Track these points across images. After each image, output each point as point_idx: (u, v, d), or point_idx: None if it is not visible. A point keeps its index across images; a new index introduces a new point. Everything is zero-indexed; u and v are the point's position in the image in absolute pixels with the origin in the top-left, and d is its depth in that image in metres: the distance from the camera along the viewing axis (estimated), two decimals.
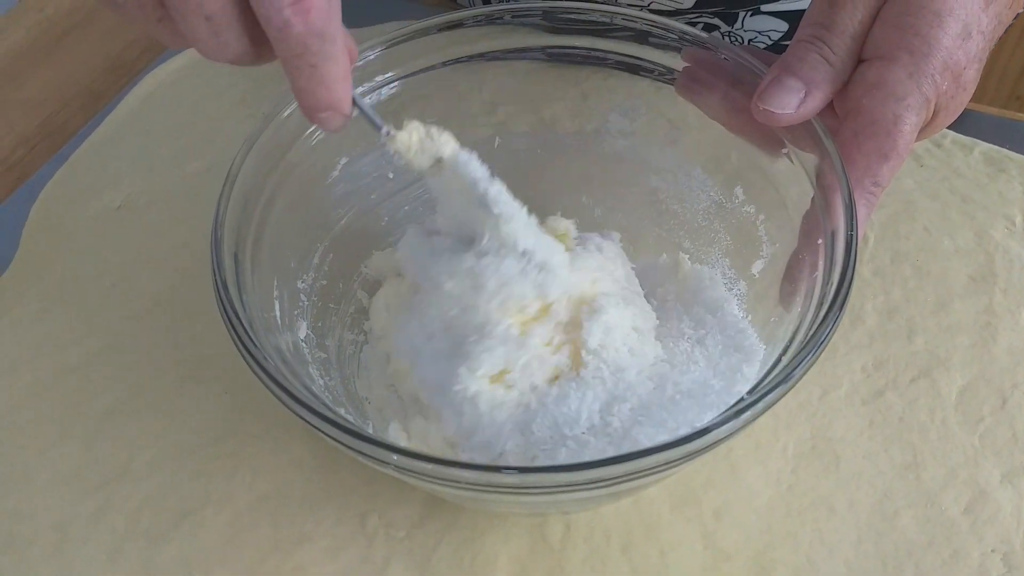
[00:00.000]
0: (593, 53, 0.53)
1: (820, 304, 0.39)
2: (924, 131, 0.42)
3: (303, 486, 0.48)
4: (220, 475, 0.48)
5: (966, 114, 0.65)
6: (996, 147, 0.62)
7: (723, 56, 0.47)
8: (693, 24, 0.71)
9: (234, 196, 0.43)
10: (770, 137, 0.45)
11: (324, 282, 0.50)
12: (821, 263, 0.40)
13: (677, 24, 0.49)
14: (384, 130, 0.41)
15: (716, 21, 0.71)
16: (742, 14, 0.70)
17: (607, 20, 0.51)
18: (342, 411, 0.44)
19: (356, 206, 0.52)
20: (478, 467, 0.37)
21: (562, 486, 0.36)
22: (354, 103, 0.39)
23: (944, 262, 0.56)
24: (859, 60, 0.42)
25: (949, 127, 0.62)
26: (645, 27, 0.50)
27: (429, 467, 0.35)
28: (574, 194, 0.56)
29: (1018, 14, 0.70)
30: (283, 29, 0.34)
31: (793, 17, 0.71)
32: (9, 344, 0.55)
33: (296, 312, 0.47)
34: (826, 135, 0.42)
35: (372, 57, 0.50)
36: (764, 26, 0.71)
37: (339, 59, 0.36)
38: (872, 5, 0.42)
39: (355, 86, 0.50)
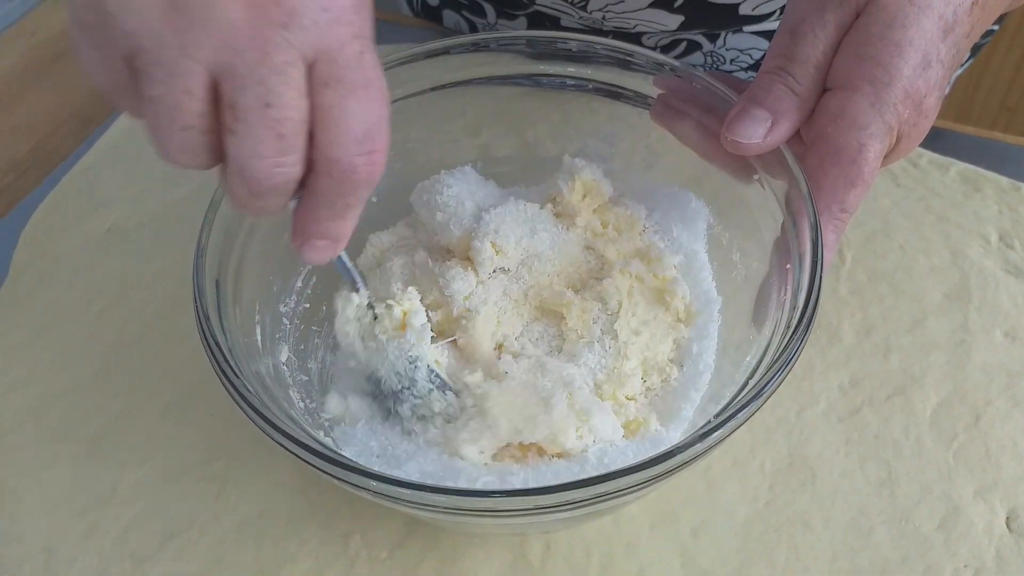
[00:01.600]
0: (575, 79, 0.54)
1: (787, 328, 0.39)
2: (888, 158, 0.43)
3: (287, 508, 0.49)
4: (206, 497, 0.49)
5: (944, 133, 0.66)
6: (972, 166, 0.63)
7: (696, 84, 0.48)
8: (677, 42, 0.72)
9: (216, 223, 0.44)
10: (741, 163, 0.46)
11: (307, 305, 0.51)
12: (789, 287, 0.41)
13: (655, 54, 0.51)
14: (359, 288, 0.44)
15: (699, 38, 0.72)
16: (724, 32, 0.71)
17: (588, 48, 0.52)
18: (321, 434, 0.44)
19: None
20: (453, 491, 0.38)
21: (536, 508, 0.37)
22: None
23: (920, 280, 0.57)
24: (824, 89, 0.43)
25: (927, 146, 0.64)
26: (624, 56, 0.51)
27: (406, 492, 0.36)
28: None
29: (992, 31, 0.72)
30: (346, 172, 0.33)
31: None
32: (0, 368, 0.55)
33: (278, 335, 0.48)
34: (795, 162, 0.43)
35: None
36: (746, 44, 0.72)
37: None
38: (833, 36, 0.43)
39: None
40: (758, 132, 0.42)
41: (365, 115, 0.33)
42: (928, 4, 0.42)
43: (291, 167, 0.32)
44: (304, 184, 0.34)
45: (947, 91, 0.45)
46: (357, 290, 0.44)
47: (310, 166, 0.33)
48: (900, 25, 0.41)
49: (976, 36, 0.44)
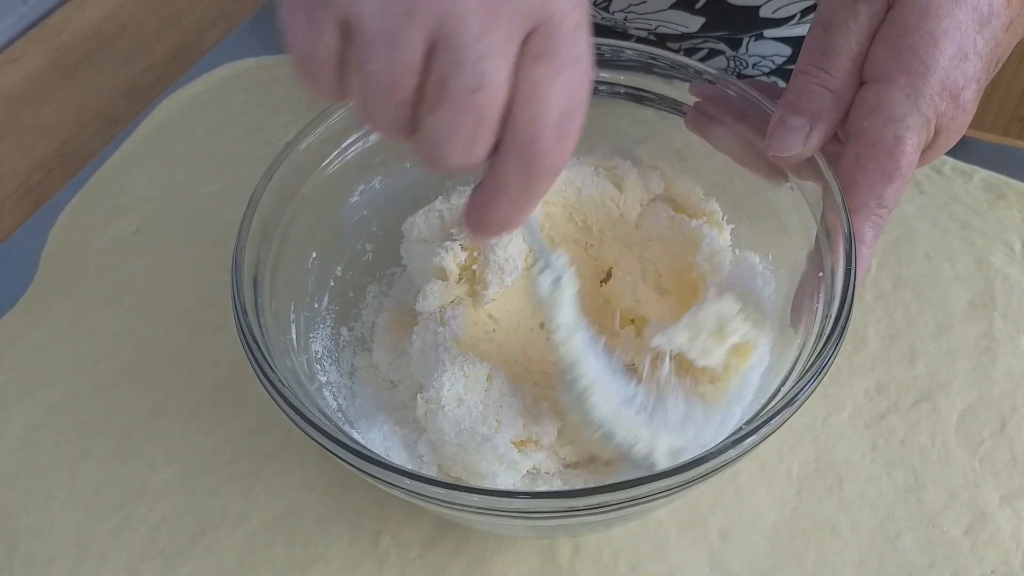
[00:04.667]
0: (601, 83, 0.55)
1: (819, 336, 0.40)
2: (926, 152, 0.43)
3: (316, 506, 0.49)
4: (236, 495, 0.50)
5: (966, 141, 0.66)
6: (995, 174, 0.63)
7: (729, 92, 0.48)
8: (698, 48, 0.73)
9: (255, 222, 0.44)
10: (778, 170, 0.46)
11: (340, 305, 0.51)
12: (822, 296, 0.41)
13: (681, 58, 0.51)
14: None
15: (721, 46, 0.72)
16: (746, 39, 0.71)
17: (613, 52, 0.53)
18: (355, 432, 0.45)
19: (374, 230, 0.53)
20: (485, 491, 0.38)
21: (566, 511, 0.37)
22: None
23: (945, 288, 0.57)
24: (861, 83, 0.42)
25: (950, 154, 0.64)
26: (650, 60, 0.52)
27: (439, 491, 0.36)
28: None
29: None
30: (536, 156, 0.31)
31: (796, 42, 0.72)
32: (29, 366, 0.56)
33: (312, 335, 0.48)
34: (828, 169, 0.43)
35: None
36: (768, 51, 0.72)
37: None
38: (866, 27, 0.42)
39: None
40: (797, 142, 0.42)
41: (570, 94, 0.31)
42: None
43: (481, 152, 0.31)
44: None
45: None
46: (547, 265, 0.42)
47: (496, 147, 0.32)
48: (934, 15, 0.40)
49: (1019, 32, 0.43)
